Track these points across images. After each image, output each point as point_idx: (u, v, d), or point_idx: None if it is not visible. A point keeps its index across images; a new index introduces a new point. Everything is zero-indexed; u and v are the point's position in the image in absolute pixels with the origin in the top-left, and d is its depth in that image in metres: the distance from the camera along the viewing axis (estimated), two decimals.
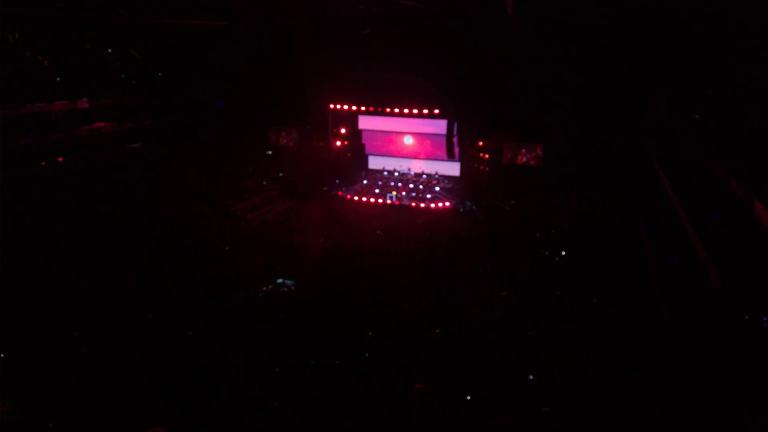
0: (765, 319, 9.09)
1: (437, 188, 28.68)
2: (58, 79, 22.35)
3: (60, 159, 22.96)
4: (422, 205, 27.41)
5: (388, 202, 27.95)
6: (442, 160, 29.67)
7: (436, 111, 27.98)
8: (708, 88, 17.71)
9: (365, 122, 30.83)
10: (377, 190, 28.85)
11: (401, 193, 28.37)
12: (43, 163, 22.39)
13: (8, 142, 21.03)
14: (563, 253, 18.29)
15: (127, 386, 9.44)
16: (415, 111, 28.29)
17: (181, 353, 11.85)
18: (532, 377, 9.25)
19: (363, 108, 29.72)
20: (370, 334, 13.57)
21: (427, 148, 30.32)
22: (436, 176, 29.59)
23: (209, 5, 21.35)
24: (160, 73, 27.43)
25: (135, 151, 26.46)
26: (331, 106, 29.99)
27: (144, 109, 27.23)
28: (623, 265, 16.21)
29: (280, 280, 18.53)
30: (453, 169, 29.69)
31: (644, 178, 21.12)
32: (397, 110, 28.70)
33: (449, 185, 29.30)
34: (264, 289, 18.06)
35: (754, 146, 14.05)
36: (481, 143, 28.63)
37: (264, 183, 28.77)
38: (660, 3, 15.52)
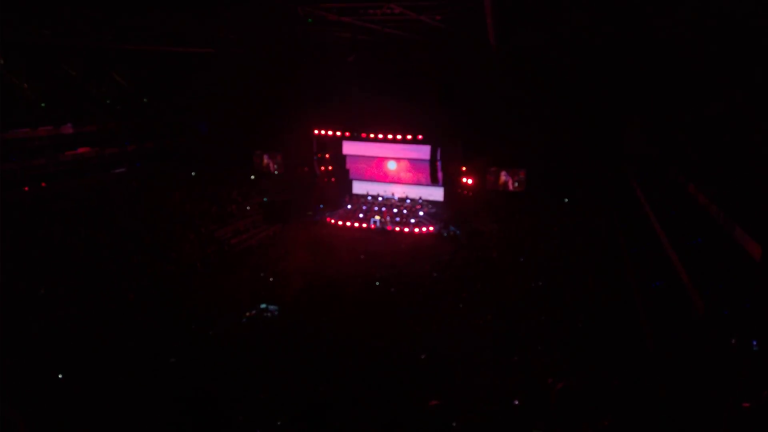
0: (755, 342, 9.14)
1: (421, 213, 28.84)
2: (42, 104, 22.25)
3: (43, 184, 22.75)
4: (406, 229, 27.48)
5: (372, 226, 28.00)
6: (426, 185, 29.90)
7: (420, 136, 28.30)
8: (687, 114, 18.13)
9: (349, 147, 31.04)
10: (361, 215, 28.92)
11: (385, 218, 28.45)
12: (26, 189, 22.16)
13: None
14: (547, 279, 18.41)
15: (111, 412, 9.26)
16: (399, 136, 28.59)
17: (164, 380, 11.69)
18: (517, 402, 9.23)
19: (347, 133, 29.96)
20: (354, 360, 13.48)
21: (410, 173, 30.55)
22: (420, 201, 29.76)
23: (195, 34, 21.49)
24: (145, 99, 27.42)
25: (119, 176, 26.30)
26: (316, 131, 30.17)
27: (128, 135, 27.19)
28: (607, 289, 16.36)
29: (263, 306, 18.39)
30: (437, 194, 29.91)
31: (626, 203, 21.44)
32: (381, 136, 28.98)
33: (433, 210, 29.48)
34: (247, 314, 17.90)
35: (734, 172, 14.37)
36: (464, 168, 28.89)
37: (248, 208, 28.69)
38: (637, 31, 15.96)
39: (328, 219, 29.04)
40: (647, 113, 21.26)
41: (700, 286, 11.42)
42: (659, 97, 19.02)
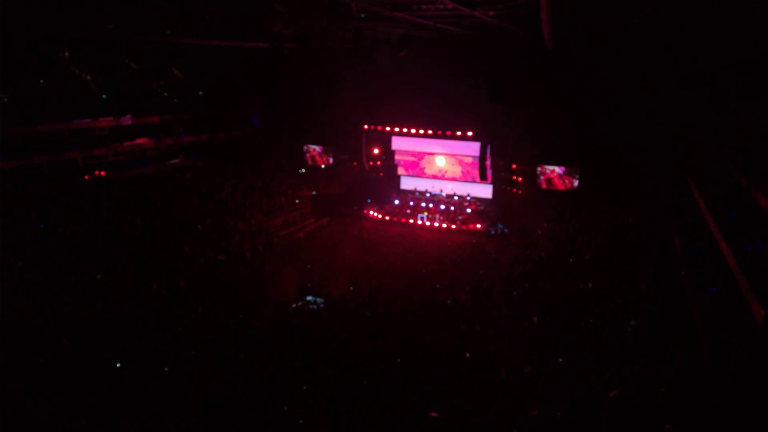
0: None
1: (469, 210, 28.56)
2: (104, 96, 23.18)
3: (102, 173, 23.70)
4: (453, 226, 27.29)
5: (419, 222, 27.94)
6: (475, 182, 29.59)
7: (470, 133, 28.00)
8: (749, 115, 17.29)
9: (398, 143, 31.04)
10: (408, 211, 28.89)
11: (432, 214, 28.33)
12: (87, 177, 23.12)
13: (54, 155, 21.86)
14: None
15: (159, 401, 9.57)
16: (448, 133, 28.38)
17: (210, 368, 12.02)
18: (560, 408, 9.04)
19: (396, 129, 29.95)
20: (399, 360, 13.50)
21: (459, 170, 30.30)
22: (468, 198, 29.49)
23: (250, 28, 21.89)
24: (201, 92, 28.17)
25: (174, 167, 27.15)
26: (365, 126, 30.28)
27: (184, 127, 28.02)
28: (660, 293, 15.81)
29: (310, 298, 18.65)
30: (485, 191, 29.56)
31: (682, 205, 20.65)
32: (430, 132, 28.84)
33: (481, 207, 29.14)
34: (294, 306, 18.19)
35: None
36: (514, 166, 28.43)
37: (297, 201, 29.11)
38: (698, 31, 15.30)
39: (375, 214, 29.12)
40: (709, 113, 20.41)
41: (759, 292, 10.89)
42: (722, 96, 18.20)
